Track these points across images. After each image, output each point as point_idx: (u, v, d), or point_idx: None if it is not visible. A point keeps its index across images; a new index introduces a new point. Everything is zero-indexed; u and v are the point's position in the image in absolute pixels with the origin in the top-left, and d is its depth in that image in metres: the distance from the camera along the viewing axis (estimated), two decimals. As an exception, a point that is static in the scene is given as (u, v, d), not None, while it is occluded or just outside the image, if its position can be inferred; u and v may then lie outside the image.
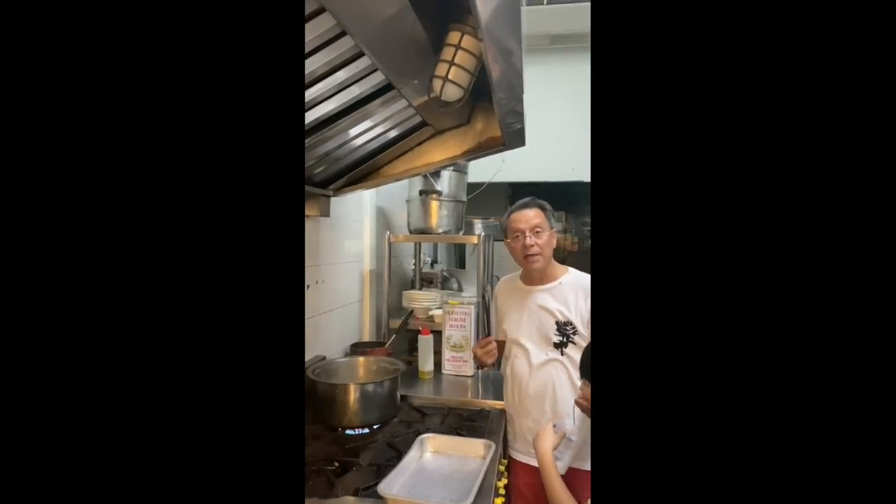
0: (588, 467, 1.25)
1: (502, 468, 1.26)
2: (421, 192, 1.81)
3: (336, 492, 0.95)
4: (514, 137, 1.25)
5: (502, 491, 1.13)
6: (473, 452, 1.10)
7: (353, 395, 1.23)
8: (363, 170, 1.43)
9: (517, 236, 1.32)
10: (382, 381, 1.28)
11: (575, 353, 1.26)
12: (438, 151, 1.40)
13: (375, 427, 1.26)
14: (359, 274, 1.88)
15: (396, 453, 1.11)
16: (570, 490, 1.20)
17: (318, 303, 1.55)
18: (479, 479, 0.96)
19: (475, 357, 1.41)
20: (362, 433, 1.23)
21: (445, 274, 2.33)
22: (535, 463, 1.27)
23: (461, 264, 2.80)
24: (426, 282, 2.34)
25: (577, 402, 1.05)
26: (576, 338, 1.28)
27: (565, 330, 1.29)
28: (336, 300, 1.69)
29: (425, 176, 1.78)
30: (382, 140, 1.29)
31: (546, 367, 1.30)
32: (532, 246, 1.29)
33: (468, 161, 1.73)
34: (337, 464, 1.07)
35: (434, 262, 2.88)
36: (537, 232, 1.30)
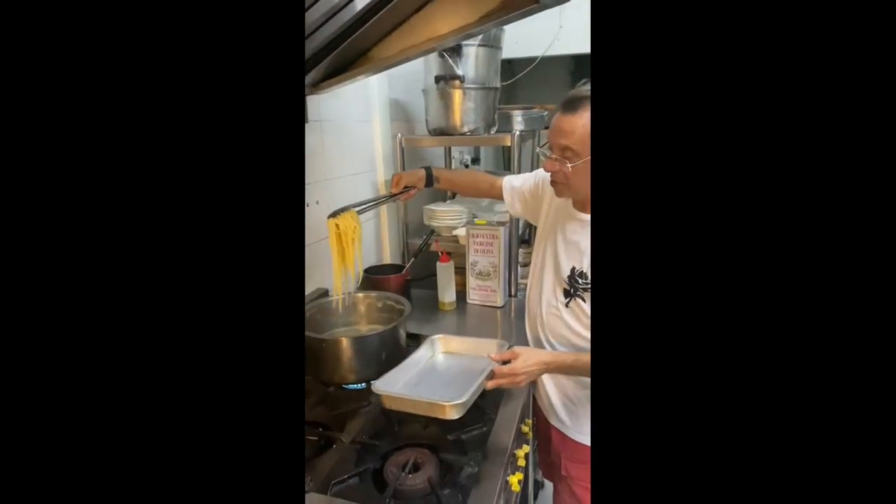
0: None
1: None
2: (437, 79, 1.39)
3: (308, 484, 0.78)
4: (551, -13, 0.80)
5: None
6: (486, 351, 0.97)
7: (345, 351, 1.02)
8: (344, 54, 1.05)
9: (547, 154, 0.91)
10: (382, 333, 1.06)
11: (575, 311, 0.96)
12: (445, 19, 0.97)
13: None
14: (372, 186, 1.59)
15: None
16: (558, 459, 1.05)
17: (316, 226, 1.30)
18: (480, 378, 0.86)
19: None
20: (358, 389, 1.05)
21: (484, 178, 1.96)
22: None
23: (508, 165, 2.39)
24: (461, 188, 2.01)
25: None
26: (585, 295, 0.95)
27: (576, 282, 0.95)
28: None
29: (442, 56, 1.34)
30: (362, 3, 0.88)
31: (551, 316, 1.01)
32: (555, 173, 0.90)
33: (493, 28, 1.27)
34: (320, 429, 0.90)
35: (475, 160, 2.48)
36: (566, 153, 0.87)
